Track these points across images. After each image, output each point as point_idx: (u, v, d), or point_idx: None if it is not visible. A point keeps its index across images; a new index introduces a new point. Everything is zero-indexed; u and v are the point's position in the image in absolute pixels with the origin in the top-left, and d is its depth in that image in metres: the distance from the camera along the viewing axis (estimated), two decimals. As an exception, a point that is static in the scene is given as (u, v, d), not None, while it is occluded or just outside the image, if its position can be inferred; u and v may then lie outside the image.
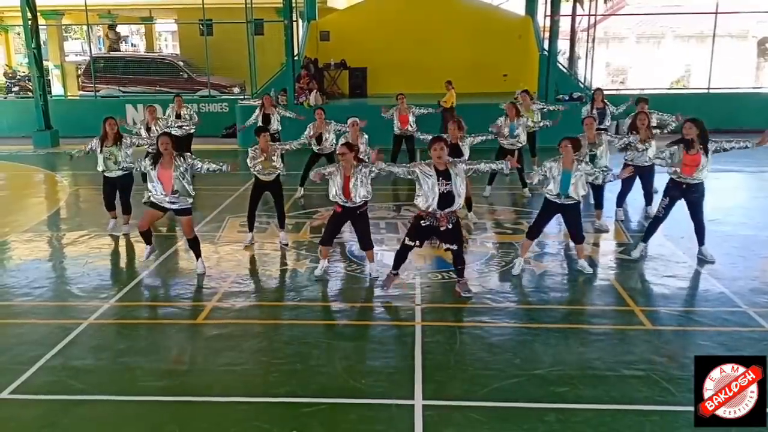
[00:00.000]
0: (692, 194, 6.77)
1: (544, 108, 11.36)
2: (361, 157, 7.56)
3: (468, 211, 8.64)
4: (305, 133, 9.45)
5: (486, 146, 9.72)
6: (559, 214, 6.66)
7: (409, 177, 5.94)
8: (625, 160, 8.28)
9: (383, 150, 6.30)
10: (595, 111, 10.27)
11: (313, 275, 6.76)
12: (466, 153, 8.27)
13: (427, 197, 5.76)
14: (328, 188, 6.50)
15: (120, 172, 7.98)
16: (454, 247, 6.02)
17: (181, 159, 6.49)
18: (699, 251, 7.07)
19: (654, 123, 8.74)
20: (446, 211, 5.81)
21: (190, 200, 6.68)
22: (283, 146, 7.74)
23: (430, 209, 5.80)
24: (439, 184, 5.71)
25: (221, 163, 6.68)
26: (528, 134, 10.74)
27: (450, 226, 5.89)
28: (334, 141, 9.50)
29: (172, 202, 6.57)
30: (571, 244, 6.93)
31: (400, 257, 6.27)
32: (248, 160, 7.41)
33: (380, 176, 6.45)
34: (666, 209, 6.93)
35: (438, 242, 6.27)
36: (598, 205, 8.33)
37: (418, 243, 6.14)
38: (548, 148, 6.67)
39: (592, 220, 8.35)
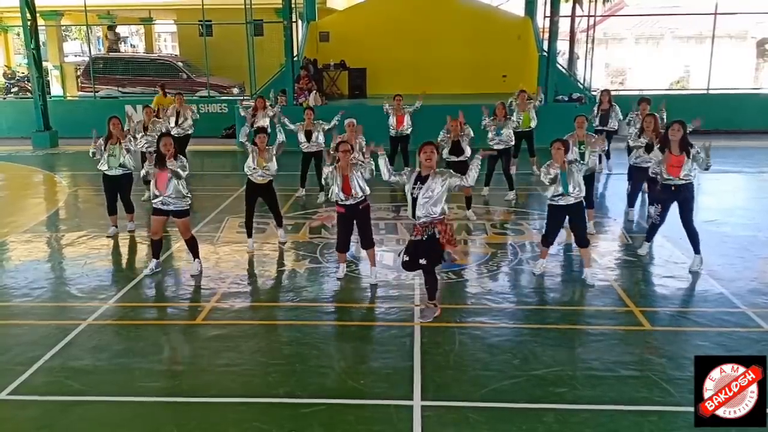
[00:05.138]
0: (683, 194, 6.75)
1: (541, 102, 11.24)
2: (357, 156, 7.57)
3: (467, 208, 8.65)
4: (295, 130, 9.65)
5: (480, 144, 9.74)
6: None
7: (394, 179, 5.82)
8: (632, 163, 8.42)
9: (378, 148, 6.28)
10: (599, 112, 10.36)
11: (313, 277, 6.79)
12: (468, 150, 8.26)
13: (407, 203, 5.70)
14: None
15: (120, 171, 7.99)
16: (423, 261, 5.58)
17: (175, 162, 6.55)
18: (692, 261, 6.80)
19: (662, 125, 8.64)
20: (422, 221, 5.56)
21: (187, 202, 6.72)
22: (276, 151, 7.55)
23: (409, 215, 5.71)
24: (414, 188, 5.56)
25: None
26: (526, 134, 10.78)
27: (423, 238, 5.55)
28: (322, 140, 9.57)
29: (166, 204, 6.59)
30: (573, 245, 6.92)
31: (408, 268, 5.85)
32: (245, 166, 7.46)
33: (373, 177, 6.47)
34: (661, 215, 6.95)
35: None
36: (589, 204, 8.31)
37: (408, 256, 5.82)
38: (546, 148, 6.67)
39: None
